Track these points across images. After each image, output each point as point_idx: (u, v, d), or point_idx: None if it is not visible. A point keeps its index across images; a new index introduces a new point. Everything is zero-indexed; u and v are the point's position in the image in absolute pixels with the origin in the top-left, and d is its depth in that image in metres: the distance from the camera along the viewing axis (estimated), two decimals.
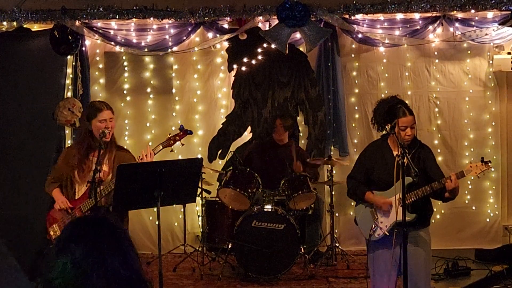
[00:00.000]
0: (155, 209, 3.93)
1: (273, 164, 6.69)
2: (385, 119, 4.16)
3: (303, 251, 6.37)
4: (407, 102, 7.00)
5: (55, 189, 4.27)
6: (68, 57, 6.91)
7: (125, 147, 4.86)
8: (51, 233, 4.22)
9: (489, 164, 4.13)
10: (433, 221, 6.12)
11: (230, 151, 7.09)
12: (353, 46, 7.19)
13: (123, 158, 4.22)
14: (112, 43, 6.88)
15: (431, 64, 7.20)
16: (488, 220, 7.22)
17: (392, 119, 4.10)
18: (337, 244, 6.75)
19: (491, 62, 7.10)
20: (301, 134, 7.30)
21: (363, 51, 7.22)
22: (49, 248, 1.87)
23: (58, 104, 6.75)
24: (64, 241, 1.83)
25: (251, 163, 6.62)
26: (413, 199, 4.08)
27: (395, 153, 4.18)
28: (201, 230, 6.87)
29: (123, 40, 6.87)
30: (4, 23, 6.64)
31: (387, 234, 4.15)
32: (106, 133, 4.11)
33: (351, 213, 7.02)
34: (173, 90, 7.31)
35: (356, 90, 7.27)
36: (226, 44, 7.09)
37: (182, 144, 4.30)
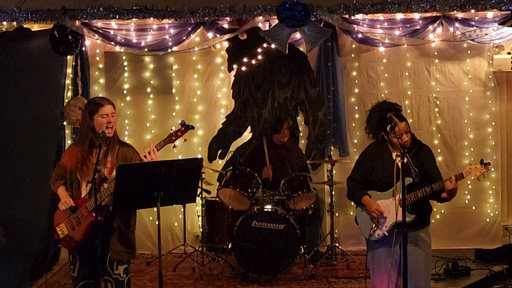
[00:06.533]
0: (155, 209, 3.93)
1: (273, 164, 6.69)
2: (378, 129, 4.22)
3: (303, 251, 6.37)
4: (407, 102, 7.15)
5: (60, 187, 4.27)
6: (68, 57, 6.91)
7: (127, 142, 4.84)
8: (59, 232, 4.22)
9: (489, 166, 4.12)
10: (433, 221, 6.14)
11: (230, 151, 7.09)
12: (353, 46, 7.19)
13: (126, 154, 4.21)
14: (112, 43, 6.88)
15: (431, 64, 7.20)
16: (488, 220, 7.23)
17: (385, 128, 4.14)
18: (337, 244, 6.75)
19: (491, 62, 7.10)
20: (301, 134, 7.31)
21: (363, 51, 7.22)
22: None
23: (68, 102, 6.76)
24: None
25: (251, 164, 6.61)
26: (412, 199, 4.09)
27: (394, 153, 4.20)
28: (201, 230, 6.87)
29: (123, 40, 6.87)
30: (4, 23, 6.64)
31: (387, 234, 4.16)
32: (106, 133, 4.11)
33: (351, 213, 7.02)
34: (173, 90, 7.31)
35: (356, 90, 7.27)
36: (226, 44, 7.09)
37: (185, 140, 4.30)
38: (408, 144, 4.14)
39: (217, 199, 6.45)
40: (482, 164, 4.10)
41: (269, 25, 6.81)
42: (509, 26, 6.48)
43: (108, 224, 4.14)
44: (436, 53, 7.15)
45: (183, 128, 4.26)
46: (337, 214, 7.11)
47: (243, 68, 7.20)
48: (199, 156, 6.95)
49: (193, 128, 4.36)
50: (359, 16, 6.71)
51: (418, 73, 7.22)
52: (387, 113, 4.18)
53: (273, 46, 6.67)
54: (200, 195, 6.61)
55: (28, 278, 6.18)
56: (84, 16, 6.58)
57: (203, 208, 6.74)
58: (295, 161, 6.74)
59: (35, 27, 6.82)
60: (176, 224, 7.29)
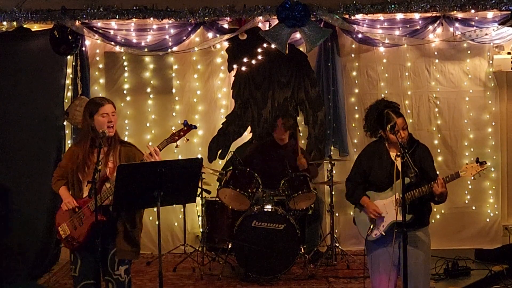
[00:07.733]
0: (155, 209, 3.92)
1: (273, 164, 6.69)
2: (376, 127, 4.22)
3: (303, 251, 6.37)
4: (407, 102, 7.15)
5: (62, 187, 4.26)
6: (68, 57, 6.91)
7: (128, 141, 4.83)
8: (61, 232, 4.22)
9: (484, 164, 4.11)
10: (433, 221, 6.15)
11: (230, 151, 7.09)
12: (353, 46, 7.19)
13: (129, 153, 4.21)
14: (112, 43, 6.88)
15: (431, 64, 7.20)
16: (488, 220, 7.22)
17: (382, 126, 4.14)
18: (337, 244, 6.75)
19: (491, 62, 7.10)
20: (301, 134, 7.30)
21: (363, 51, 7.22)
22: None
23: (73, 102, 6.76)
24: None
25: (252, 163, 6.61)
26: (409, 198, 4.08)
27: (392, 154, 4.20)
28: (201, 230, 6.87)
29: (123, 40, 6.87)
30: (4, 23, 6.64)
31: (384, 234, 4.17)
32: (107, 132, 4.11)
33: (351, 213, 6.94)
34: (173, 90, 7.31)
35: (356, 90, 7.27)
36: (226, 44, 7.09)
37: (187, 140, 4.30)
38: (405, 141, 4.14)
39: (217, 199, 6.45)
40: (477, 163, 4.10)
41: (269, 25, 6.82)
42: (509, 26, 6.49)
43: (112, 224, 4.13)
44: (436, 53, 7.15)
45: (185, 128, 4.26)
46: (337, 214, 7.11)
47: (243, 68, 7.20)
48: (199, 156, 6.95)
49: (195, 127, 4.36)
50: (359, 16, 6.71)
51: (418, 73, 7.22)
52: (384, 109, 4.19)
53: (273, 46, 6.67)
54: (200, 195, 6.62)
55: (28, 278, 6.18)
56: (84, 16, 6.58)
57: (203, 208, 6.74)
58: (295, 162, 6.74)
59: (35, 27, 6.82)
60: (176, 224, 7.29)
